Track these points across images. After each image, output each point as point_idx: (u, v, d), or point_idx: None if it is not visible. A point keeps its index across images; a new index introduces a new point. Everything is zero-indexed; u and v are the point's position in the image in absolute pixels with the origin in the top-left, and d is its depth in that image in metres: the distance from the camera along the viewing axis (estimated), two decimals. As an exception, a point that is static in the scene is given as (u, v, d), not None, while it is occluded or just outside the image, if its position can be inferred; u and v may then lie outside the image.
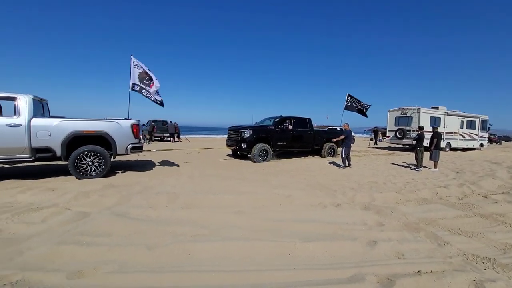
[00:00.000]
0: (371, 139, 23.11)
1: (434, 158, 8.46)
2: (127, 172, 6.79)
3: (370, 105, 15.08)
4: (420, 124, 13.12)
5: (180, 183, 5.67)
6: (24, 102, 5.22)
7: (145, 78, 8.42)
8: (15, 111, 5.18)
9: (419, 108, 15.08)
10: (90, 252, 2.52)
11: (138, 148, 6.35)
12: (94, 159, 5.76)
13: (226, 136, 11.03)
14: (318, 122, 27.77)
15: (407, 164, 9.83)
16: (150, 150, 12.03)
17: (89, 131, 5.69)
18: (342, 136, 8.80)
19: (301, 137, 10.85)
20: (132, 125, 6.15)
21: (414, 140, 9.05)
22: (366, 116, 15.10)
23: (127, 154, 6.21)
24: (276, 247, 2.77)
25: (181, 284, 2.09)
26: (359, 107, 14.86)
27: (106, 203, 4.10)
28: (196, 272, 2.26)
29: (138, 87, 8.45)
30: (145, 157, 9.85)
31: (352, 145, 8.98)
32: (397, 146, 18.37)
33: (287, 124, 10.49)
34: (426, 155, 8.71)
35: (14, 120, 5.11)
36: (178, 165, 8.25)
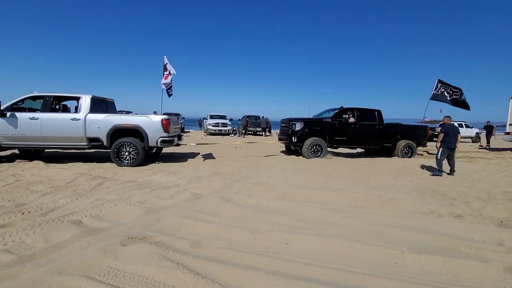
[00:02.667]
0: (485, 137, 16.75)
1: None
2: (205, 161, 7.63)
3: (465, 97, 11.39)
4: None
5: (274, 175, 5.94)
6: (84, 101, 6.54)
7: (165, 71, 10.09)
8: (77, 108, 6.58)
9: None
10: (205, 227, 2.99)
11: (168, 142, 6.83)
12: (130, 149, 6.52)
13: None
14: (431, 116, 23.63)
15: None
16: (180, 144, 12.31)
17: (126, 124, 6.57)
18: (442, 135, 6.73)
19: (367, 132, 9.35)
20: (162, 120, 6.70)
21: None
22: (468, 108, 11.41)
23: (158, 146, 6.85)
24: (379, 252, 2.55)
25: (281, 270, 2.21)
26: (454, 96, 11.28)
27: (214, 187, 4.75)
28: (295, 262, 2.34)
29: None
30: (207, 150, 10.77)
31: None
32: None
33: (347, 117, 9.18)
34: None
35: (76, 115, 6.49)
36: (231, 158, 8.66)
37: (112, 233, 2.76)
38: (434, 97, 11.59)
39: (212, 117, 22.00)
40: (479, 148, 14.84)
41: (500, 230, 3.16)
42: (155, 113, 21.55)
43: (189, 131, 25.18)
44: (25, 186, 4.47)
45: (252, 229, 2.97)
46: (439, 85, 11.50)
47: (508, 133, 12.55)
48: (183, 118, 23.78)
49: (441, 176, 6.49)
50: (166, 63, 10.27)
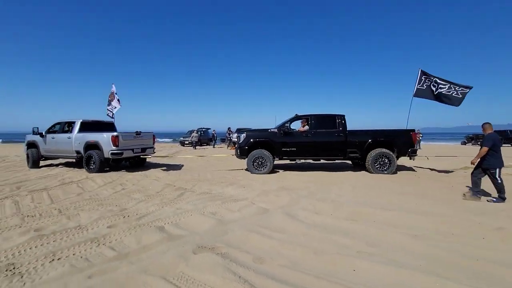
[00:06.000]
0: None
1: None
2: (272, 176, 7.55)
3: (470, 87, 8.11)
4: None
5: (344, 192, 5.57)
6: (76, 124, 8.80)
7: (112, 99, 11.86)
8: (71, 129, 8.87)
9: None
10: (269, 243, 3.02)
11: (116, 154, 8.04)
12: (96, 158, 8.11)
13: None
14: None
15: None
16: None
17: (93, 141, 8.24)
18: (485, 149, 4.83)
19: (323, 142, 8.22)
20: (111, 136, 7.98)
21: None
22: (457, 104, 8.22)
23: (110, 157, 8.06)
24: (476, 295, 2.06)
25: (346, 300, 2.03)
26: (440, 90, 8.32)
27: (280, 202, 4.78)
28: (362, 292, 2.12)
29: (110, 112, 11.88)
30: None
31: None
32: None
33: (288, 125, 8.40)
34: None
35: (70, 134, 8.79)
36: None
37: (187, 240, 3.10)
38: (418, 93, 8.82)
39: (239, 130, 22.03)
40: None
41: None
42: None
43: (220, 145, 25.69)
44: (127, 193, 5.48)
45: (317, 250, 2.84)
46: (423, 77, 8.79)
47: None
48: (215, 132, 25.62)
49: (501, 201, 4.75)
50: (115, 92, 11.86)
